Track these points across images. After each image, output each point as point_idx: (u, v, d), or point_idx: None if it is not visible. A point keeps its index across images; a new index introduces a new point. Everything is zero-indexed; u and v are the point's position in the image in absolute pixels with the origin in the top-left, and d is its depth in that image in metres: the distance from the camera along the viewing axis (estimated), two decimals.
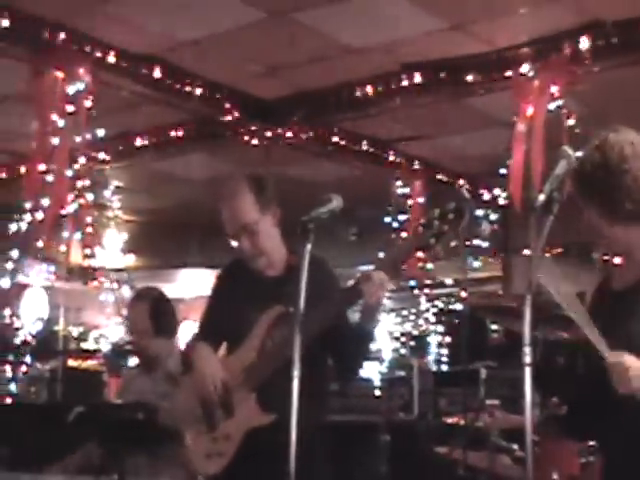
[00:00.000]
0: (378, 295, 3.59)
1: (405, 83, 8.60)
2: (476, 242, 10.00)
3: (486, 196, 11.55)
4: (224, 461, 3.79)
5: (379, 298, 3.61)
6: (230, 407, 3.81)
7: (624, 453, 3.01)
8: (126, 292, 9.53)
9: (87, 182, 8.19)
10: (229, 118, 9.39)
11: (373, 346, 3.90)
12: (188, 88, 8.76)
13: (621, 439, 3.01)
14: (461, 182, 11.40)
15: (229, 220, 3.92)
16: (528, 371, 2.66)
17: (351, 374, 4.11)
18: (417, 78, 8.51)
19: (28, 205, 8.02)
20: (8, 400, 8.22)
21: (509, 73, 8.13)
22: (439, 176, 11.34)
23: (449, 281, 12.51)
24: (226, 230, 3.94)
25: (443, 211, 3.52)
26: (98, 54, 8.05)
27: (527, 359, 2.66)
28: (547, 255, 2.91)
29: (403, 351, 12.70)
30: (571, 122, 7.80)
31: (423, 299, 12.18)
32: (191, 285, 14.89)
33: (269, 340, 3.81)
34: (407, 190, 11.06)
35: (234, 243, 3.95)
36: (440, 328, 12.46)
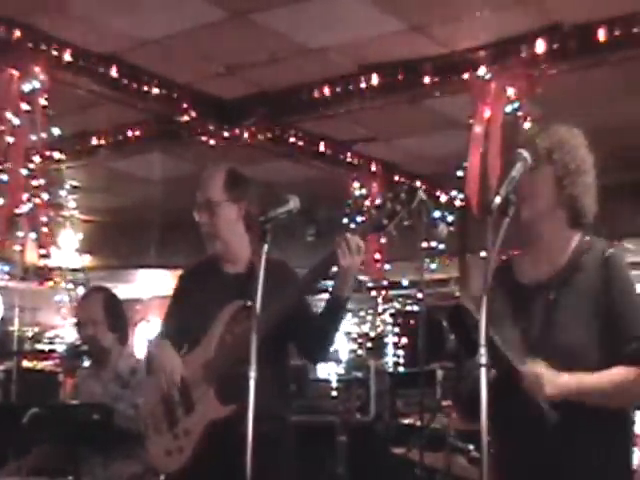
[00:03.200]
0: (352, 259, 3.57)
1: (363, 84, 8.62)
2: (433, 243, 10.04)
3: (443, 198, 11.60)
4: (184, 456, 3.80)
5: (352, 262, 3.58)
6: (190, 402, 3.83)
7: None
8: (82, 292, 9.47)
9: (42, 181, 8.13)
10: (187, 118, 9.35)
11: (342, 325, 3.86)
12: (146, 87, 8.70)
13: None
14: (418, 183, 11.43)
15: (198, 194, 4.07)
16: (484, 372, 2.67)
17: (319, 357, 4.08)
18: (375, 79, 8.53)
19: None
20: None
21: (467, 75, 8.16)
22: (396, 177, 11.38)
23: (406, 282, 12.56)
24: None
25: (395, 193, 3.56)
26: (55, 52, 7.98)
27: (482, 359, 2.67)
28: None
29: (360, 352, 12.71)
30: (527, 125, 7.83)
31: (380, 300, 12.20)
32: (149, 285, 14.84)
33: (228, 334, 3.82)
34: (365, 191, 11.09)
35: (196, 216, 4.05)
36: (397, 329, 12.50)
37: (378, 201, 3.68)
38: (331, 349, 4.02)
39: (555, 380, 2.90)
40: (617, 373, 2.95)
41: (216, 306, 3.88)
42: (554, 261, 3.13)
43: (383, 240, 10.71)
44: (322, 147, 10.42)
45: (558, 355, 2.94)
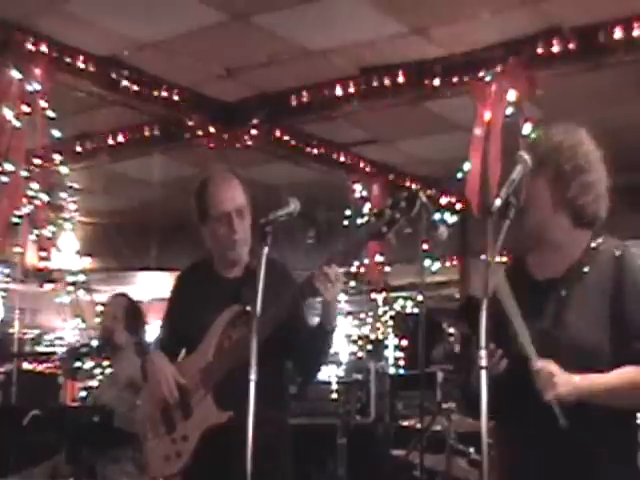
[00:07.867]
0: (334, 291, 3.58)
1: (363, 87, 8.62)
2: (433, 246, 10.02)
3: (443, 200, 11.60)
4: (182, 461, 3.80)
5: (335, 293, 3.59)
6: (188, 408, 3.83)
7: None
8: (82, 295, 9.46)
9: (42, 183, 8.12)
10: (188, 120, 9.36)
11: (331, 350, 3.89)
12: (147, 90, 8.71)
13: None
14: (419, 186, 11.44)
15: (227, 201, 3.92)
16: (484, 374, 2.67)
17: (309, 376, 4.10)
18: (375, 82, 8.53)
19: None
20: None
21: (467, 78, 8.17)
22: (397, 180, 11.38)
23: (406, 284, 12.54)
24: (216, 210, 3.92)
25: (395, 200, 3.54)
26: (55, 54, 7.98)
27: (482, 362, 2.67)
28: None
29: (360, 354, 12.71)
30: (528, 127, 7.83)
31: (380, 302, 12.19)
32: (149, 288, 14.82)
33: (226, 339, 3.81)
34: (365, 193, 11.09)
35: (228, 225, 3.91)
36: (397, 331, 12.49)
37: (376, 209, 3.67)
38: (317, 374, 4.04)
39: (568, 380, 2.87)
40: (627, 372, 2.92)
41: (214, 310, 3.86)
42: (566, 259, 3.11)
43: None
44: (322, 149, 10.42)
45: (568, 353, 2.92)
